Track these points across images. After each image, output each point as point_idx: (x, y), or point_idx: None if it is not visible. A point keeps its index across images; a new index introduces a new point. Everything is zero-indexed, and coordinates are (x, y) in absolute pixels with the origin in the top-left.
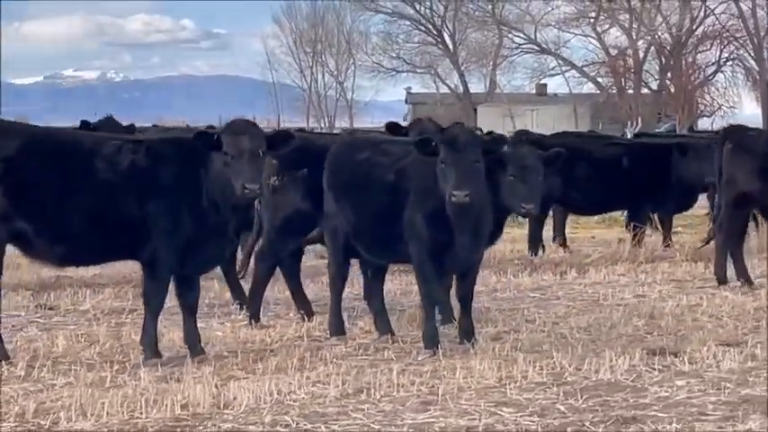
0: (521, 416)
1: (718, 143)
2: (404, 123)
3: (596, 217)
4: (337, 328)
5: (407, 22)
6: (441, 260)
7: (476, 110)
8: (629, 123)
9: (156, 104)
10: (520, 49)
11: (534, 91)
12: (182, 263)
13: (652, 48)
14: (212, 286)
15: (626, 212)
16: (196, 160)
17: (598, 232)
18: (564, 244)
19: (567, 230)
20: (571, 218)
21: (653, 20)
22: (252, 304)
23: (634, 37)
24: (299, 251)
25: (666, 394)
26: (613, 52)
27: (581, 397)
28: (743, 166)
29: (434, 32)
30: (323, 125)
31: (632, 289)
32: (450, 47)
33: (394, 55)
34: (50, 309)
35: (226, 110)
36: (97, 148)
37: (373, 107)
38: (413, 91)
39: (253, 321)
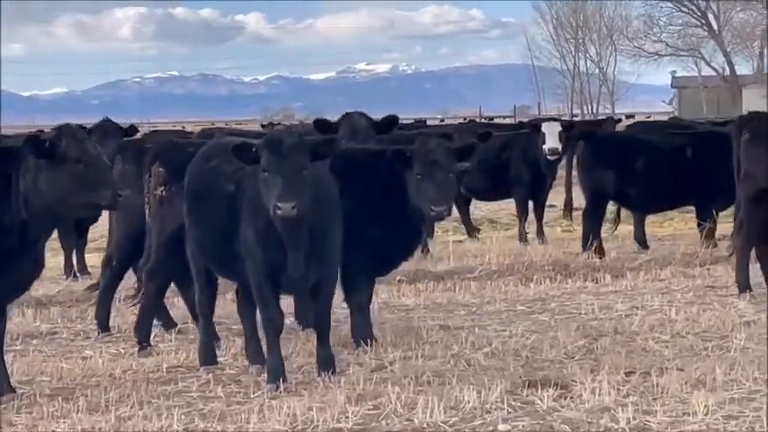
0: None
1: (734, 133)
2: (670, 108)
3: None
4: (207, 358)
5: (670, 5)
6: (277, 281)
7: (741, 92)
8: None
9: (445, 95)
10: None
11: None
12: None
13: None
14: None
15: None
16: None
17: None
18: (642, 242)
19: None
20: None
21: None
22: (140, 329)
23: None
24: None
25: None
26: None
27: None
28: (761, 157)
29: (698, 14)
30: (585, 111)
31: (639, 300)
32: (715, 28)
33: (656, 38)
34: None
35: (514, 98)
36: None
37: (636, 92)
38: (678, 74)
39: (142, 347)
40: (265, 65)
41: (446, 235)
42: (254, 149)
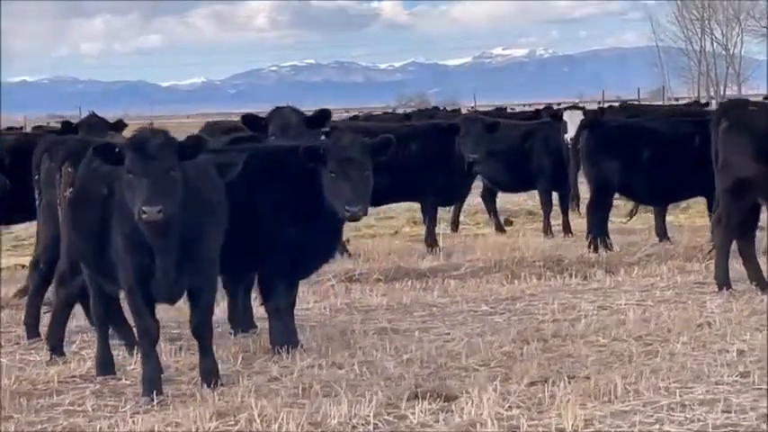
0: None
1: (714, 121)
2: None
3: None
4: (104, 367)
5: None
6: (148, 289)
7: None
8: None
9: (583, 79)
10: None
11: None
12: None
13: None
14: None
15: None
16: None
17: None
18: (662, 235)
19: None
20: None
21: None
22: (51, 336)
23: None
24: None
25: None
26: None
27: None
28: (740, 147)
29: None
30: (711, 93)
31: (612, 299)
32: None
33: None
34: None
35: (653, 81)
36: None
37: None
38: None
39: (54, 355)
40: (401, 51)
41: (477, 228)
42: (117, 150)
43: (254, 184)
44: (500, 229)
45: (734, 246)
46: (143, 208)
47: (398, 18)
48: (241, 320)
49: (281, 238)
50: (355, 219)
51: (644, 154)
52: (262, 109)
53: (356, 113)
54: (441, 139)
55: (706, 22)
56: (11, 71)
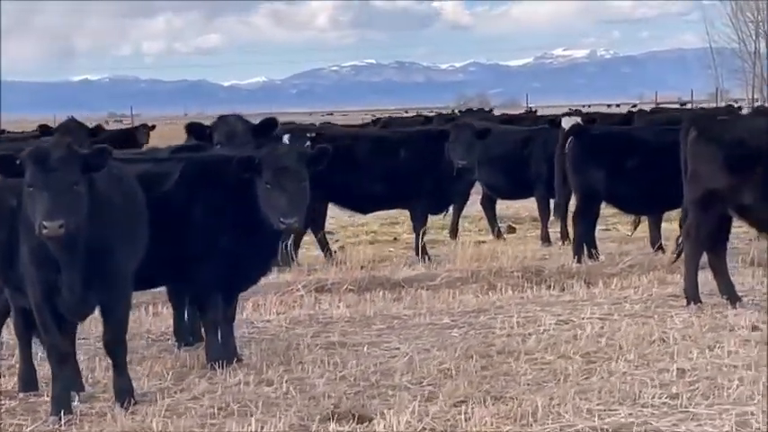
0: None
1: (683, 132)
2: None
3: None
4: (26, 384)
5: None
6: (55, 304)
7: None
8: None
9: (644, 80)
10: None
11: None
12: None
13: None
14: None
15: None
16: None
17: None
18: (658, 246)
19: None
20: None
21: None
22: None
23: None
24: None
25: None
26: None
27: None
28: (708, 158)
29: None
30: (765, 95)
31: (578, 312)
32: None
33: None
34: None
35: (709, 83)
36: None
37: None
38: None
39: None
40: (462, 51)
41: (480, 235)
42: (17, 162)
43: (188, 194)
44: (499, 236)
45: (739, 257)
46: (44, 223)
47: (460, 18)
48: (186, 334)
49: (216, 249)
50: (291, 231)
51: (629, 162)
52: (323, 109)
53: (378, 117)
54: (430, 146)
55: (761, 24)
56: (73, 69)
